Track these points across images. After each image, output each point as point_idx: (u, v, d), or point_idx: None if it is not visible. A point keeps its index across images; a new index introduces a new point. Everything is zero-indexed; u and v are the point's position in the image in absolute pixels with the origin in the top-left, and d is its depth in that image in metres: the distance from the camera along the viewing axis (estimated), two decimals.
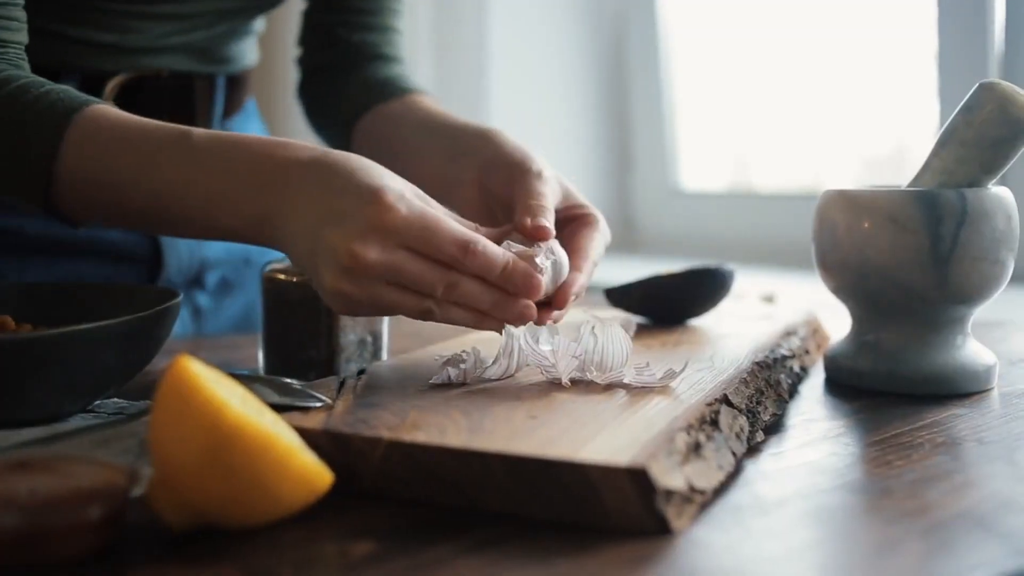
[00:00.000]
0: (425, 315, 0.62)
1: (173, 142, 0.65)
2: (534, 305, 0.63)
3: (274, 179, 0.62)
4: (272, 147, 0.64)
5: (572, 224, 0.72)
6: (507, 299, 0.63)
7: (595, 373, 0.63)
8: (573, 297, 0.67)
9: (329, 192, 0.60)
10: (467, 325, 0.64)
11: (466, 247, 0.60)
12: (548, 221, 0.67)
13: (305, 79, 1.03)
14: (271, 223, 0.62)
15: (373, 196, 0.59)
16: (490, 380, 0.64)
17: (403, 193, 0.60)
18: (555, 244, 0.67)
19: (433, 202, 0.64)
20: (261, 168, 0.63)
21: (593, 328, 0.64)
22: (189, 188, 0.64)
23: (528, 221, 0.66)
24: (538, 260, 0.63)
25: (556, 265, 0.66)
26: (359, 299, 0.60)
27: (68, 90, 0.68)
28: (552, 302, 0.67)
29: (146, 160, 0.65)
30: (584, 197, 0.75)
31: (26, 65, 0.72)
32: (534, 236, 0.66)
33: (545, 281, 0.64)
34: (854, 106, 1.66)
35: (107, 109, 0.67)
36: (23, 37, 0.73)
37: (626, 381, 0.62)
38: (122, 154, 0.65)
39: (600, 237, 0.72)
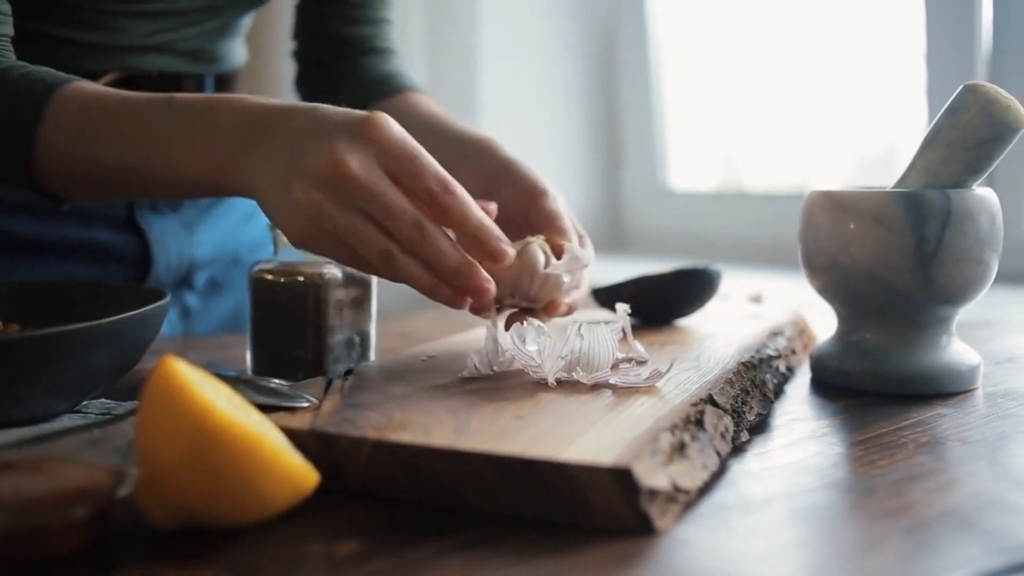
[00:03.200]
0: (385, 258, 0.59)
1: (157, 103, 0.65)
2: (494, 287, 0.62)
3: (257, 122, 0.62)
4: (264, 101, 0.64)
5: None
6: (469, 268, 0.61)
7: (581, 373, 0.63)
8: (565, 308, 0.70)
9: (319, 116, 0.60)
10: (421, 287, 0.62)
11: (446, 184, 0.59)
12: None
13: (301, 73, 1.04)
14: (235, 162, 0.62)
15: (369, 114, 0.59)
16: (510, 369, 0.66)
17: (394, 122, 0.60)
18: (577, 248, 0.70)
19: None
20: (247, 116, 0.62)
21: (580, 328, 0.64)
22: (164, 139, 0.64)
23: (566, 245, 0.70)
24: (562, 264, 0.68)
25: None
26: (327, 214, 0.58)
27: (50, 70, 0.68)
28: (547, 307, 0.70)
29: (125, 120, 0.65)
30: (574, 215, 0.78)
31: (12, 56, 0.72)
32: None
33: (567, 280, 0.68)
34: (845, 106, 1.66)
35: (88, 84, 0.68)
36: (8, 30, 0.73)
37: (612, 381, 0.62)
38: (101, 118, 0.65)
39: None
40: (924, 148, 0.72)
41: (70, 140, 0.66)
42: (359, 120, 0.59)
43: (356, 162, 0.57)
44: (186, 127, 0.63)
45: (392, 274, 0.61)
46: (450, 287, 0.62)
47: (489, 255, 0.62)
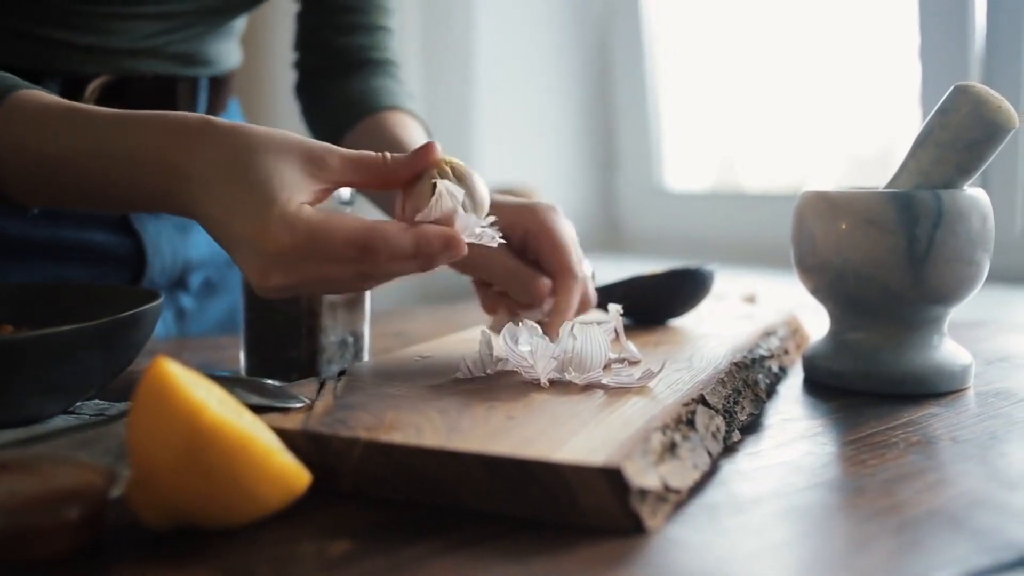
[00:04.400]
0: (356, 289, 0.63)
1: (78, 124, 0.63)
2: (462, 241, 0.61)
3: (176, 176, 0.60)
4: (173, 130, 0.61)
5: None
6: (430, 261, 0.60)
7: (574, 374, 0.64)
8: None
9: (226, 208, 0.59)
10: None
11: (364, 247, 0.58)
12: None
13: (298, 82, 1.04)
14: (186, 210, 0.62)
15: (258, 227, 0.57)
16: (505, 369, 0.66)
17: (285, 213, 0.57)
18: (475, 180, 0.65)
19: (335, 158, 0.61)
20: (165, 149, 0.61)
21: (572, 329, 0.64)
22: (108, 175, 0.62)
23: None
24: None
25: (478, 203, 0.64)
26: (286, 295, 0.61)
27: (7, 75, 0.67)
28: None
29: (76, 143, 0.63)
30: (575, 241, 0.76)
31: None
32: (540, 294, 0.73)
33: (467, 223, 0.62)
34: (840, 106, 1.67)
35: (36, 93, 0.66)
36: None
37: (604, 382, 0.63)
38: (53, 138, 0.64)
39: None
40: (915, 149, 0.72)
41: (23, 149, 0.64)
42: (258, 240, 0.57)
43: (276, 278, 0.59)
44: (112, 161, 0.62)
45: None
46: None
47: (445, 253, 0.61)
